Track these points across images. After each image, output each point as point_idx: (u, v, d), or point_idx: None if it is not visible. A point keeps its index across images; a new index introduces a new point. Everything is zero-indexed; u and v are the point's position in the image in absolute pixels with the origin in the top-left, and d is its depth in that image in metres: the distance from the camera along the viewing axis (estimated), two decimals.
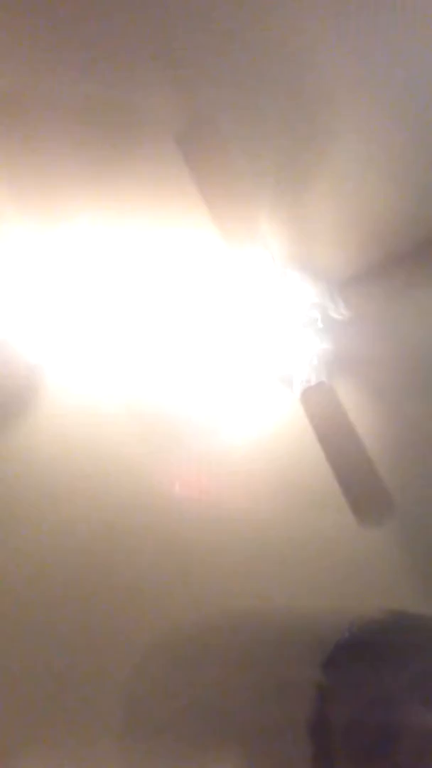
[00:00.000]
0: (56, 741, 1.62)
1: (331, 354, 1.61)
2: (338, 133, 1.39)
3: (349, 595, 1.64)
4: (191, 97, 1.29)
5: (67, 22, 1.22)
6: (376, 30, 1.28)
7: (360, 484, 1.41)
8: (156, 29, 1.23)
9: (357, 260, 1.45)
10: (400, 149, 1.39)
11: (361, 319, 1.47)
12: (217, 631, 1.65)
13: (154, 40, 1.24)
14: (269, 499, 1.68)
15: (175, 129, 1.11)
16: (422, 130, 1.37)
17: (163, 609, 1.65)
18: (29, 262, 1.53)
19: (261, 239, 1.27)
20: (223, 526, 1.67)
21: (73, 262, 1.50)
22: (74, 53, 1.24)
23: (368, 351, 1.60)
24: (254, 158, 1.35)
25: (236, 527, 1.67)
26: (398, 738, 0.69)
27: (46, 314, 1.54)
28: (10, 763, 1.59)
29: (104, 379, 1.62)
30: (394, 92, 1.33)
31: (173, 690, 1.62)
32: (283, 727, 1.43)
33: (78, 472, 1.66)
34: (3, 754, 1.59)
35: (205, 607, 1.65)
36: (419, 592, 1.67)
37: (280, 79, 1.32)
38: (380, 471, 1.42)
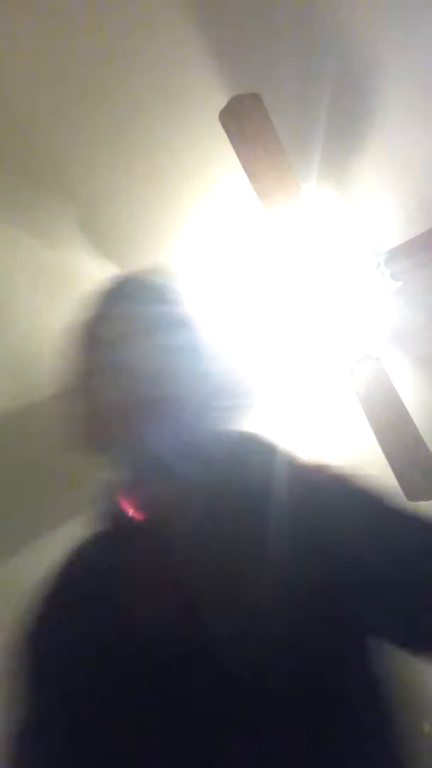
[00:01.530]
0: None
1: (378, 326, 1.60)
2: (386, 107, 1.37)
3: None
4: (236, 74, 1.29)
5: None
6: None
7: (407, 455, 1.42)
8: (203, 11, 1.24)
9: (404, 232, 1.43)
10: None
11: (407, 290, 1.45)
12: None
13: (200, 20, 1.25)
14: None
15: (219, 106, 1.11)
16: None
17: None
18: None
19: (307, 212, 1.28)
20: None
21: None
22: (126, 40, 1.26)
23: (415, 322, 1.58)
24: (301, 133, 1.34)
25: None
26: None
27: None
28: None
29: None
30: None
31: None
32: None
33: None
34: None
35: None
36: None
37: (327, 54, 1.30)
38: (428, 442, 1.42)
